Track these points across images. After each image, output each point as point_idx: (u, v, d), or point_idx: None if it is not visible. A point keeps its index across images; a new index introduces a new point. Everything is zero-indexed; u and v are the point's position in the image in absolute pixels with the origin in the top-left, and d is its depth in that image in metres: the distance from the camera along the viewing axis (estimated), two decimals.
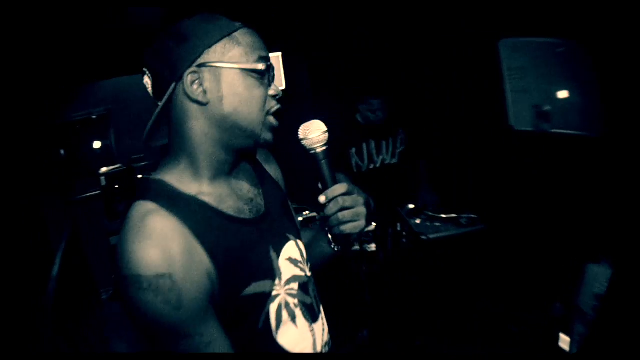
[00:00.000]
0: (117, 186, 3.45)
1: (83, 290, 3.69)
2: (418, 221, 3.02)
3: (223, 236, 0.95)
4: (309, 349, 1.08)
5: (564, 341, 2.43)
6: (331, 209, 1.05)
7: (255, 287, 0.98)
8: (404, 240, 2.79)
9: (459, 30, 3.39)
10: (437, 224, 2.92)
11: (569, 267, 2.46)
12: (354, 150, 3.17)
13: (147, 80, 1.00)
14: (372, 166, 3.21)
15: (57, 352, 2.15)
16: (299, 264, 1.12)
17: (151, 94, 1.01)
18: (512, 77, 3.14)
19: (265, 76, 0.99)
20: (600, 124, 2.62)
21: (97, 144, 4.33)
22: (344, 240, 1.13)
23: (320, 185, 1.08)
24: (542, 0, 2.72)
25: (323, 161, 1.07)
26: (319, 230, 1.22)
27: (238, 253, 0.96)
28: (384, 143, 3.18)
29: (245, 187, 1.09)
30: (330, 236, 1.15)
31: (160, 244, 0.85)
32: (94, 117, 4.16)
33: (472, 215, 2.92)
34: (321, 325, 1.14)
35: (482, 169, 3.47)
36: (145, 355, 0.89)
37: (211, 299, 0.90)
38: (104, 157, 4.32)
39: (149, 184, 0.98)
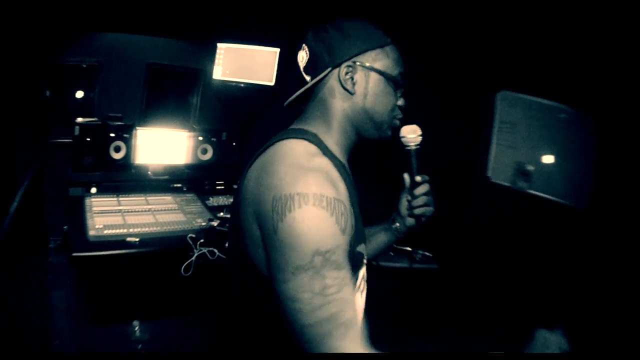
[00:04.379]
0: (88, 139, 3.39)
1: (34, 234, 3.63)
2: None
3: (354, 197, 1.11)
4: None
5: None
6: (421, 190, 1.40)
7: (361, 248, 1.14)
8: None
9: (461, 74, 3.38)
10: (391, 253, 2.90)
11: (517, 327, 2.46)
12: None
13: (303, 55, 1.21)
14: None
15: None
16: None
17: (301, 68, 1.22)
18: (501, 130, 3.14)
19: (398, 89, 1.22)
20: (580, 196, 2.63)
21: (79, 94, 4.29)
22: (416, 223, 1.47)
23: (407, 175, 1.42)
24: (553, 65, 2.72)
25: (414, 157, 1.38)
26: (383, 224, 1.53)
27: (358, 215, 1.13)
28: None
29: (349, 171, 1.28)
30: (399, 222, 1.50)
31: (334, 182, 0.99)
32: (84, 65, 4.11)
33: (427, 253, 2.91)
34: (363, 303, 1.28)
35: (450, 211, 3.46)
36: (144, 355, 0.94)
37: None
38: (84, 107, 4.26)
39: (306, 132, 1.15)
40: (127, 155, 3.56)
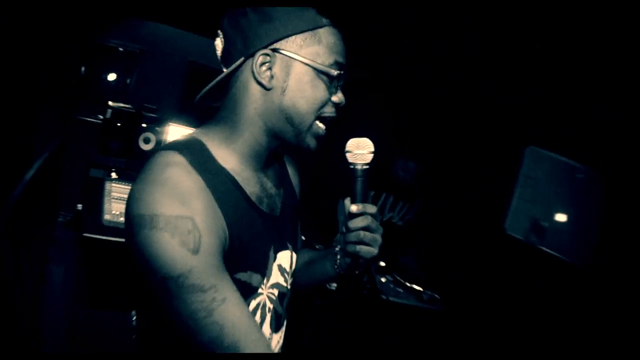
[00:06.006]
0: (119, 124, 3.40)
1: (45, 205, 3.64)
2: (383, 279, 3.03)
3: (240, 216, 0.94)
4: None
5: None
6: (357, 223, 1.04)
7: (248, 276, 0.97)
8: (365, 292, 2.79)
9: (495, 128, 3.43)
10: (400, 290, 2.92)
11: None
12: (372, 193, 3.22)
13: (218, 44, 1.00)
14: None
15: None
16: (285, 274, 1.12)
17: (219, 58, 1.01)
18: (525, 185, 3.18)
19: (333, 82, 0.98)
20: (582, 254, 2.67)
21: (112, 76, 4.34)
22: (352, 261, 1.13)
23: (348, 201, 1.06)
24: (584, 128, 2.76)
25: (360, 179, 1.04)
26: (327, 251, 1.24)
27: (247, 237, 0.95)
28: (400, 204, 3.21)
29: (269, 183, 1.09)
30: (339, 254, 1.16)
31: (182, 196, 0.83)
32: (120, 49, 4.13)
33: (436, 295, 2.92)
34: (279, 337, 1.13)
35: (466, 258, 3.48)
36: (144, 355, 0.86)
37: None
38: (119, 91, 4.29)
39: (188, 140, 0.96)
40: (156, 149, 3.57)
